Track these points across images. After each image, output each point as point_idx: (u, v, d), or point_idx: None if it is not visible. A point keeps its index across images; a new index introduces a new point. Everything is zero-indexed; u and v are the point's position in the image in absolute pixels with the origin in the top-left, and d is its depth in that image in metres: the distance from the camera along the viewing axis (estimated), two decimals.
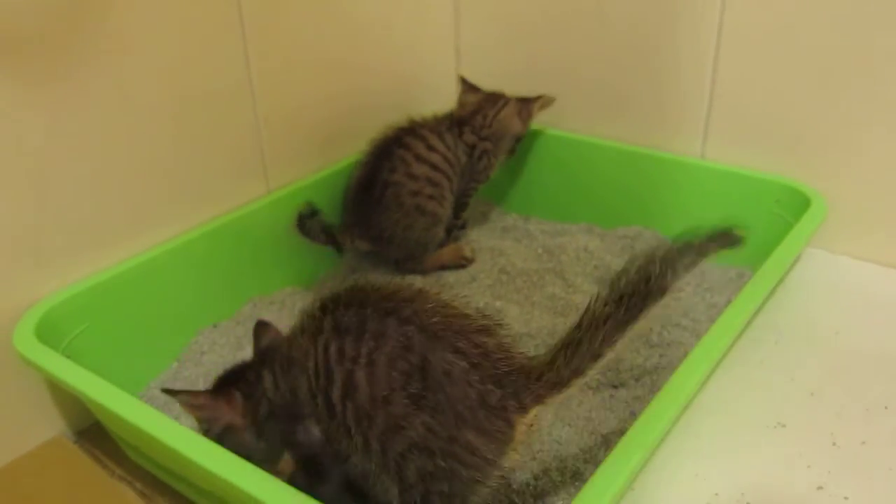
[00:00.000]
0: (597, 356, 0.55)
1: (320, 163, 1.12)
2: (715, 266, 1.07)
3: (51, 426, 0.87)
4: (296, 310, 1.01)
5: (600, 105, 1.16)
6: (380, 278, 1.07)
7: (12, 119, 0.77)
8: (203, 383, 0.89)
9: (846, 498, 0.63)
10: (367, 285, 0.63)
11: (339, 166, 1.13)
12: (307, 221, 1.02)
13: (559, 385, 0.56)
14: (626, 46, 1.12)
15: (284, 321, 0.98)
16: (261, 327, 0.73)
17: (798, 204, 0.97)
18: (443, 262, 1.09)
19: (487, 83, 1.16)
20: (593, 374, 0.57)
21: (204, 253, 0.95)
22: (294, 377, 0.64)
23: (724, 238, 0.61)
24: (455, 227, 1.15)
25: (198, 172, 0.96)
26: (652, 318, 0.94)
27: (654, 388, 0.81)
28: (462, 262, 1.09)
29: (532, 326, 0.93)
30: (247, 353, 0.92)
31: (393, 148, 1.05)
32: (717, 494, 0.63)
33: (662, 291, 0.56)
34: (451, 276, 1.06)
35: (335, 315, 0.61)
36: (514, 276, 1.04)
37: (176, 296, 0.93)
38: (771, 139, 1.04)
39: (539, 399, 0.56)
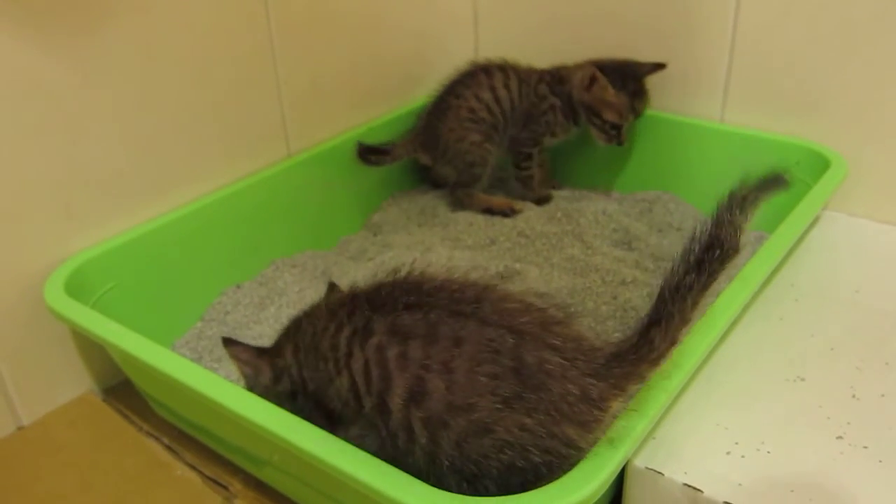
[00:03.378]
0: (688, 322, 0.56)
1: (341, 126, 1.13)
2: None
3: (79, 383, 0.89)
4: (317, 272, 1.03)
5: None
6: (401, 239, 1.08)
7: (41, 71, 0.78)
8: None
9: (865, 447, 0.63)
10: (424, 281, 0.61)
11: (360, 130, 1.13)
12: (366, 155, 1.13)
13: (660, 359, 0.56)
14: (644, 9, 1.12)
15: (305, 282, 1.00)
16: (332, 289, 0.73)
17: (818, 166, 0.97)
18: (492, 204, 1.14)
19: (504, 42, 1.16)
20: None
21: (228, 215, 0.97)
22: (323, 370, 0.62)
23: (774, 182, 0.61)
24: (522, 180, 1.17)
25: (221, 134, 0.97)
26: None
27: None
28: (507, 211, 1.12)
29: (552, 287, 0.94)
30: (269, 312, 0.94)
31: (477, 71, 1.14)
32: (736, 443, 0.64)
33: (736, 249, 0.56)
34: (469, 239, 1.06)
35: (393, 316, 0.59)
36: (534, 239, 1.04)
37: (201, 256, 0.94)
38: (791, 102, 1.04)
39: (641, 380, 0.57)
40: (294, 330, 0.69)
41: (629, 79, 1.07)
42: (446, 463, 0.56)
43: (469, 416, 0.55)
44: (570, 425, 0.55)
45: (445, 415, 0.55)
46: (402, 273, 0.64)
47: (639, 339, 0.56)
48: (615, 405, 0.57)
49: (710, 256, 0.56)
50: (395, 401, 0.57)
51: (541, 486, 0.52)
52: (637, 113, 1.09)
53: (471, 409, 0.54)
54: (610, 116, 1.09)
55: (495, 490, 0.56)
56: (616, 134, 1.10)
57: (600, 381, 0.55)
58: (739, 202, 0.58)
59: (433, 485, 0.53)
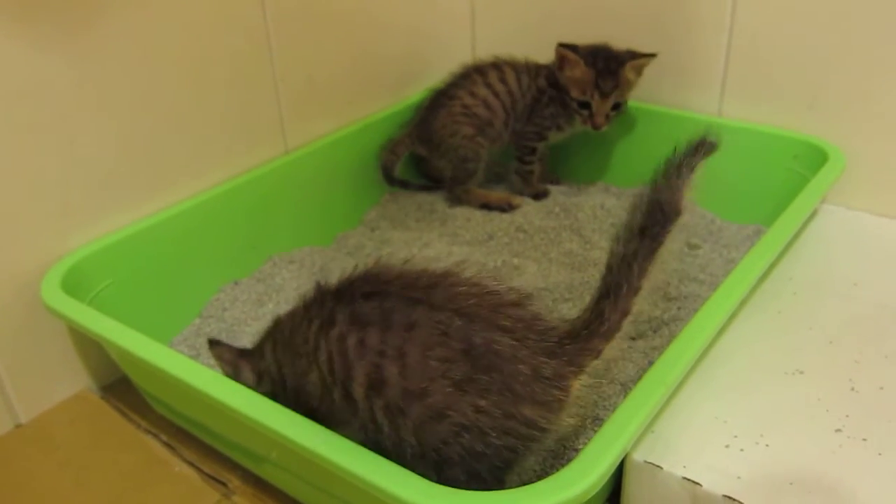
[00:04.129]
0: (637, 290, 0.57)
1: (337, 123, 1.13)
2: (732, 223, 1.07)
3: (77, 381, 0.88)
4: (315, 268, 1.03)
5: None
6: (398, 235, 1.08)
7: (36, 69, 0.78)
8: (225, 338, 0.90)
9: (864, 440, 0.63)
10: (382, 271, 0.62)
11: (357, 126, 1.13)
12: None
13: (612, 331, 0.57)
14: (642, 4, 1.11)
15: (303, 279, 1.00)
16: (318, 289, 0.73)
17: (816, 160, 0.97)
18: (489, 200, 1.14)
19: (501, 38, 1.16)
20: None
21: (225, 211, 0.96)
22: (297, 366, 0.62)
23: (704, 147, 0.61)
24: (522, 174, 1.17)
25: (218, 130, 0.96)
26: (670, 273, 0.96)
27: (672, 338, 0.81)
28: (505, 206, 1.12)
29: (550, 281, 0.93)
30: (267, 309, 0.94)
31: (471, 71, 1.14)
32: (735, 437, 0.64)
33: (678, 212, 0.57)
34: (467, 234, 1.06)
35: (352, 305, 0.59)
36: (532, 234, 1.04)
37: (198, 253, 0.94)
38: (789, 96, 1.04)
39: (596, 354, 0.57)
40: (274, 329, 0.69)
41: (601, 58, 1.06)
42: (409, 451, 0.57)
43: (423, 401, 0.55)
44: (526, 405, 0.55)
45: (401, 401, 0.55)
46: (360, 270, 0.64)
47: (590, 315, 0.57)
48: (575, 383, 0.57)
49: (651, 221, 0.56)
50: (358, 390, 0.57)
51: (510, 472, 0.52)
52: (602, 91, 1.06)
53: (424, 394, 0.55)
54: (575, 93, 1.08)
55: (465, 478, 0.56)
56: (589, 115, 1.08)
57: (553, 359, 0.56)
58: (676, 167, 0.58)
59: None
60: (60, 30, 0.78)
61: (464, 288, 0.58)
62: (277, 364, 0.66)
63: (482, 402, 0.54)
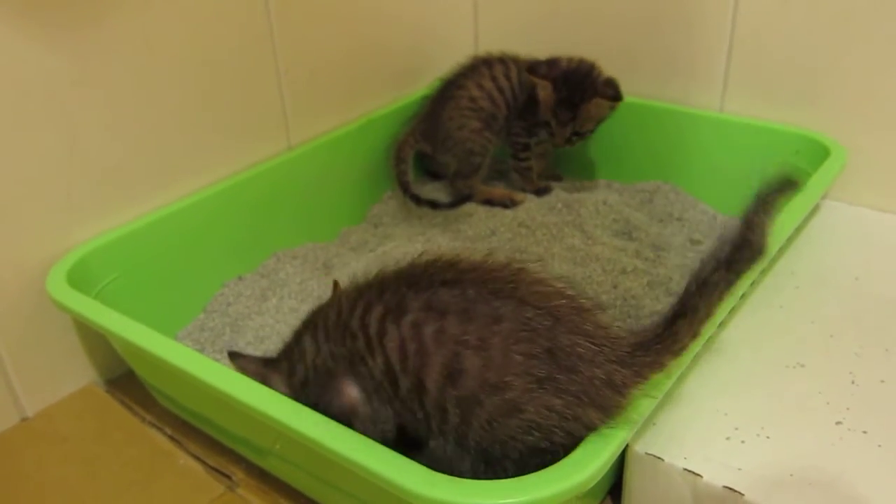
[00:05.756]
0: (709, 317, 0.57)
1: (340, 119, 1.13)
2: (734, 219, 1.07)
3: (82, 375, 0.89)
4: (318, 263, 1.03)
5: (618, 59, 1.16)
6: (402, 231, 1.09)
7: (41, 65, 0.78)
8: (229, 333, 0.91)
9: (865, 432, 0.64)
10: (457, 261, 0.61)
11: (360, 123, 1.14)
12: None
13: (682, 350, 0.57)
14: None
15: (307, 274, 1.00)
16: (336, 287, 0.73)
17: (818, 155, 0.97)
18: (492, 195, 1.14)
19: (504, 34, 1.16)
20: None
21: (229, 206, 0.97)
22: (351, 348, 0.62)
23: (789, 184, 0.62)
24: (519, 171, 1.18)
25: (222, 126, 0.97)
26: (672, 268, 0.96)
27: None
28: (507, 202, 1.13)
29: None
30: (271, 304, 0.95)
31: (479, 63, 1.15)
32: (736, 429, 0.64)
33: (762, 252, 0.57)
34: (470, 230, 1.06)
35: (428, 293, 0.59)
36: (534, 229, 1.04)
37: (203, 247, 0.94)
38: (790, 91, 1.04)
39: (662, 368, 0.57)
40: (308, 325, 0.68)
41: (568, 87, 1.06)
42: (473, 444, 0.57)
43: (503, 394, 0.55)
44: (592, 409, 0.55)
45: (480, 393, 0.55)
46: (433, 257, 0.63)
47: (664, 330, 0.57)
48: (635, 392, 0.57)
49: (739, 257, 0.57)
50: (432, 379, 0.57)
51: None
52: (559, 119, 1.07)
53: (505, 388, 0.55)
54: (541, 110, 1.09)
55: (513, 471, 0.56)
56: (551, 133, 1.10)
57: (624, 368, 0.56)
58: (765, 205, 0.59)
59: (443, 471, 0.53)
60: (64, 25, 0.79)
61: (547, 288, 0.59)
62: (316, 349, 0.65)
63: (557, 402, 0.55)
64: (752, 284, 0.83)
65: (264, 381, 0.67)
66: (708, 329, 0.60)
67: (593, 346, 0.56)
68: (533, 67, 1.08)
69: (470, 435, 0.57)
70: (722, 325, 0.76)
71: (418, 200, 1.12)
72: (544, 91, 1.07)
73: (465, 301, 0.57)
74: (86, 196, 0.85)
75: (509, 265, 0.61)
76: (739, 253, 0.57)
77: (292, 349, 0.68)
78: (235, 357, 0.70)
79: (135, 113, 0.87)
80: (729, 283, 0.57)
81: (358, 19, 1.11)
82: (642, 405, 0.57)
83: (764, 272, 0.85)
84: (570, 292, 0.60)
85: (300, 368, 0.66)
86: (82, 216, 0.85)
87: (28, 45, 0.76)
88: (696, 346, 0.59)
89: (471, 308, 0.57)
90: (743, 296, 0.81)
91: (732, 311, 0.78)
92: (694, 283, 0.58)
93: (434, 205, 1.11)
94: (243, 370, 0.69)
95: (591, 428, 0.56)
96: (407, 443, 0.62)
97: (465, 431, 0.57)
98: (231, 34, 0.95)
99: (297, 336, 0.68)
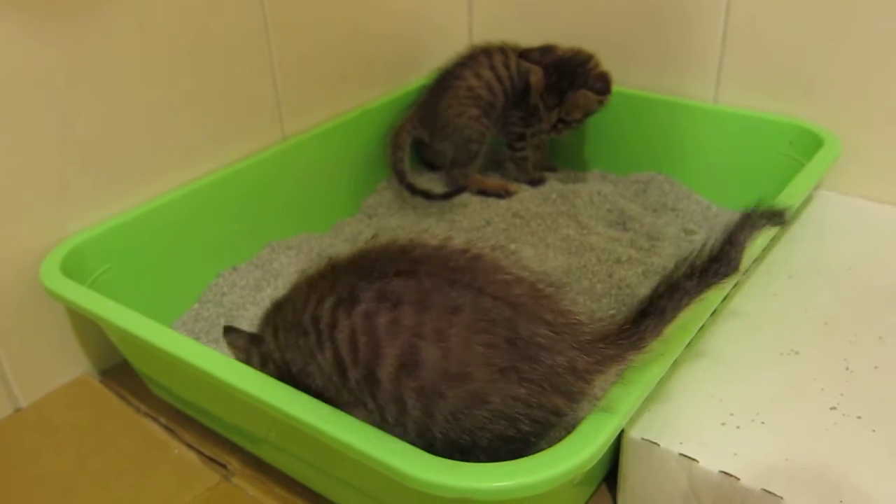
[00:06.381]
0: (673, 320, 0.57)
1: (334, 110, 1.13)
2: (728, 210, 1.08)
3: (76, 366, 0.89)
4: (313, 254, 1.03)
5: (612, 50, 1.16)
6: (396, 222, 1.09)
7: (35, 53, 0.78)
8: (224, 322, 0.90)
9: (859, 417, 0.64)
10: (410, 248, 0.60)
11: (354, 114, 1.14)
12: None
13: (644, 349, 0.57)
14: None
15: (301, 264, 1.00)
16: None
17: (812, 145, 0.97)
18: (486, 186, 1.15)
19: (499, 23, 1.16)
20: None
21: (223, 197, 0.97)
22: (304, 345, 0.61)
23: (775, 216, 0.63)
24: (515, 161, 1.18)
25: (216, 116, 0.97)
26: (666, 258, 0.96)
27: None
28: (502, 193, 1.13)
29: (547, 266, 0.94)
30: (265, 294, 0.94)
31: (478, 53, 1.15)
32: (732, 415, 0.64)
33: (737, 270, 0.58)
34: (465, 221, 1.06)
35: (380, 283, 0.57)
36: (529, 220, 1.05)
37: (197, 238, 0.94)
38: (784, 82, 1.04)
39: (622, 361, 0.57)
40: (274, 312, 0.68)
41: (558, 73, 1.07)
42: (439, 436, 0.56)
43: (466, 385, 0.55)
44: (557, 395, 0.56)
45: (441, 385, 0.55)
46: (386, 244, 0.62)
47: (630, 326, 0.57)
48: (598, 380, 0.58)
49: (713, 269, 0.58)
50: (386, 371, 0.56)
51: (528, 454, 0.53)
52: (546, 103, 1.08)
53: (468, 379, 0.54)
54: (532, 95, 1.10)
55: (486, 460, 0.56)
56: (539, 119, 1.11)
57: (586, 355, 0.56)
58: (750, 226, 0.60)
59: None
60: (57, 13, 0.78)
61: (506, 276, 0.59)
62: (280, 349, 0.65)
63: (520, 391, 0.55)
64: (746, 273, 0.83)
65: (248, 356, 0.69)
66: (696, 313, 0.61)
67: (553, 335, 0.56)
68: (525, 53, 1.08)
69: (434, 427, 0.56)
70: (716, 313, 0.76)
71: (413, 190, 1.12)
72: (535, 76, 1.07)
73: (421, 291, 0.56)
74: (79, 186, 0.84)
75: (466, 252, 0.60)
76: (715, 266, 0.58)
77: (263, 335, 0.68)
78: (228, 331, 0.71)
79: (128, 103, 0.87)
80: (698, 293, 0.58)
81: (352, 9, 1.11)
82: (627, 388, 0.58)
83: (758, 260, 0.85)
84: (528, 279, 0.59)
85: (270, 365, 0.67)
86: (76, 206, 0.85)
87: (21, 34, 0.76)
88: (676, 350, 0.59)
89: (426, 298, 0.56)
90: (737, 284, 0.81)
91: (726, 299, 0.78)
92: (664, 285, 0.58)
93: (428, 195, 1.11)
94: (232, 345, 0.71)
95: (557, 414, 0.56)
96: None
97: (428, 423, 0.56)
98: (225, 24, 0.94)
99: (264, 325, 0.69)
